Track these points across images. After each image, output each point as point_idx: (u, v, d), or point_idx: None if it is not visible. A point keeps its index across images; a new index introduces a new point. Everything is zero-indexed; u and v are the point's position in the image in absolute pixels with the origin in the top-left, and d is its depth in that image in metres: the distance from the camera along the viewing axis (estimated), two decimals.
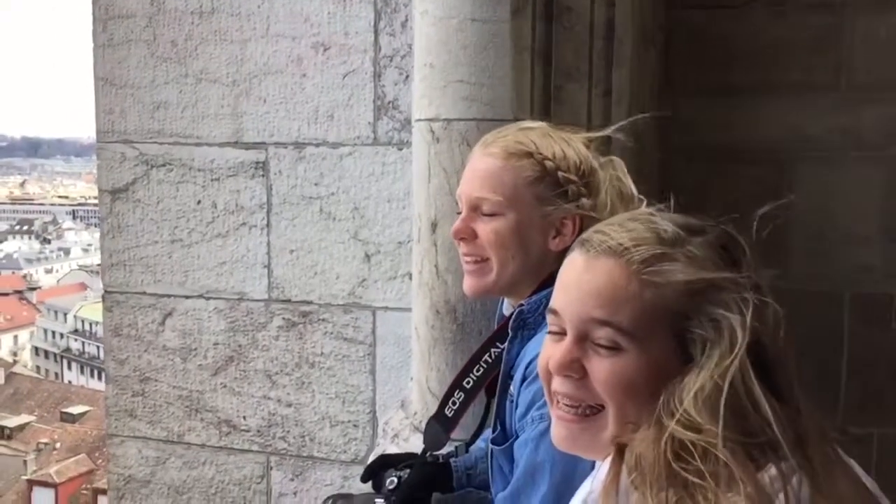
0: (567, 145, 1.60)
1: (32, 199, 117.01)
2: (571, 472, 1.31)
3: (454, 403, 1.81)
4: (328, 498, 1.90)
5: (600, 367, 1.06)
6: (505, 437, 1.59)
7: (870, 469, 1.09)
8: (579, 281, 1.09)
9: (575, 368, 1.08)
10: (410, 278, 2.53)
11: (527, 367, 1.51)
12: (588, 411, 1.08)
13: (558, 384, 1.10)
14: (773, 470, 0.95)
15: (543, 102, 2.20)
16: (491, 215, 1.59)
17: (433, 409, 1.98)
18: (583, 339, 1.07)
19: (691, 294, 1.04)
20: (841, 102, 3.47)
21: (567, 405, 1.10)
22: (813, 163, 3.51)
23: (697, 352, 1.03)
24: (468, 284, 1.67)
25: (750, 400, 0.98)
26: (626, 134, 2.37)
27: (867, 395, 3.29)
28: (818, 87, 3.48)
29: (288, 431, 3.17)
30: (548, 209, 1.57)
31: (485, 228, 1.60)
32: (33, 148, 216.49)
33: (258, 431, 3.21)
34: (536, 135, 1.63)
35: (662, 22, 3.52)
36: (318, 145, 3.03)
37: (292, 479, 3.18)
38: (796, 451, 0.96)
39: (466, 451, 1.99)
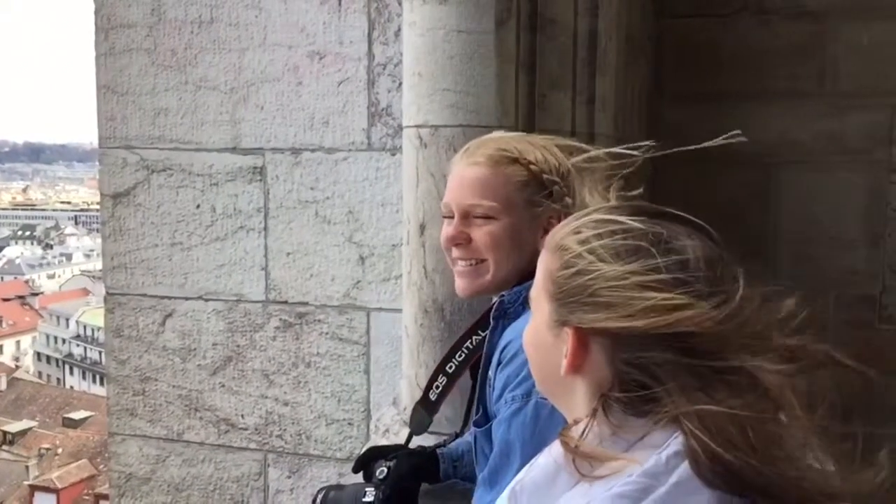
0: (545, 149, 1.69)
1: (35, 205, 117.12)
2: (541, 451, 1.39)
3: (437, 388, 1.92)
4: (321, 489, 1.98)
5: None
6: (486, 419, 1.67)
7: None
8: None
9: None
10: None
11: (502, 352, 1.60)
12: None
13: None
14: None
15: (528, 110, 2.28)
16: (485, 219, 1.66)
17: None
18: None
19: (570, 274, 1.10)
20: (825, 108, 3.54)
21: None
22: (798, 167, 3.58)
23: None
24: (463, 286, 1.73)
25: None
26: (613, 140, 2.45)
27: (852, 395, 3.36)
28: (803, 93, 3.56)
29: (285, 430, 3.25)
30: (537, 210, 1.65)
31: (480, 232, 1.67)
32: (36, 153, 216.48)
33: (256, 430, 3.29)
34: (516, 141, 1.71)
35: (651, 30, 3.60)
36: (313, 151, 3.11)
37: (289, 477, 3.26)
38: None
39: (454, 439, 2.08)
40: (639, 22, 3.25)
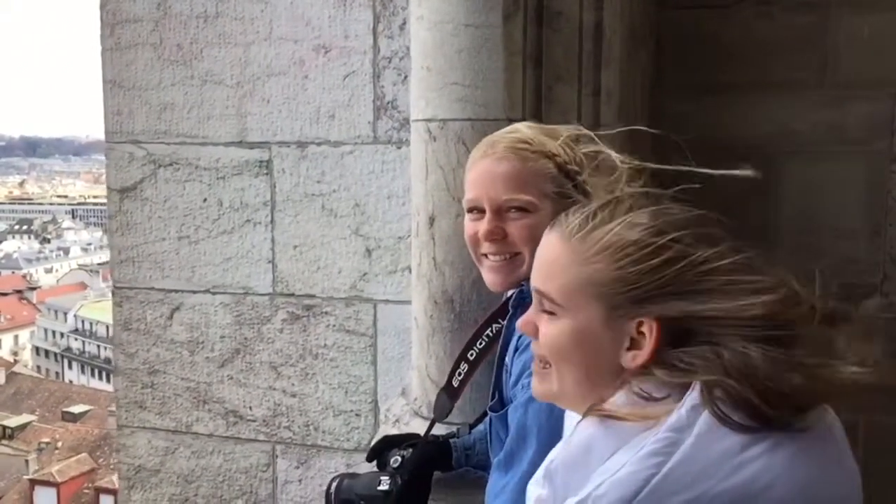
0: (561, 142, 1.71)
1: (31, 199, 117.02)
2: (558, 435, 1.42)
3: (459, 374, 1.96)
4: (335, 476, 2.02)
5: (542, 330, 1.21)
6: (501, 404, 1.70)
7: (855, 456, 1.14)
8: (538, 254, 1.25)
9: (530, 330, 1.24)
10: (410, 272, 2.62)
11: (519, 338, 1.63)
12: (542, 366, 1.24)
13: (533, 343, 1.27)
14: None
15: (534, 103, 2.31)
16: (521, 212, 1.66)
17: (432, 394, 2.11)
18: (539, 306, 1.22)
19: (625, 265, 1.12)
20: (826, 99, 3.57)
21: (538, 358, 1.25)
22: (799, 158, 3.60)
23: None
24: (498, 280, 1.72)
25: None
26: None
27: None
28: (804, 84, 3.58)
29: (293, 421, 3.28)
30: (567, 201, 1.64)
31: (516, 225, 1.67)
32: (32, 147, 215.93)
33: (264, 421, 3.31)
34: (535, 134, 1.72)
35: (653, 22, 3.62)
36: (319, 144, 3.13)
37: (297, 467, 3.29)
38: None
39: (469, 433, 2.12)
40: (641, 14, 3.27)
